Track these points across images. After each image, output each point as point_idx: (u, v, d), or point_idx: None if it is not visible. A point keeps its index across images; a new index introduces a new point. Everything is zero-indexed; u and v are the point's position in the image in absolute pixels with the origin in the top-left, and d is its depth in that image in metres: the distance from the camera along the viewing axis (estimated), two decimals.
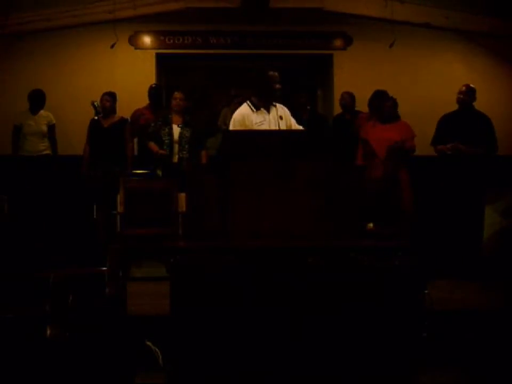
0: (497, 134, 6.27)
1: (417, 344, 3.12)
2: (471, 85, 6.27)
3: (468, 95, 6.20)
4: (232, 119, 4.58)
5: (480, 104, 6.38)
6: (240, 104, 4.85)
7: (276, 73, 4.60)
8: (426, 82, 7.95)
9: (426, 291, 4.33)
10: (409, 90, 7.77)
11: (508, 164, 7.03)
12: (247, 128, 4.41)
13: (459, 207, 6.00)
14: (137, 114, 7.03)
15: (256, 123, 4.49)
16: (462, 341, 3.90)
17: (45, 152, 6.89)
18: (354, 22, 7.89)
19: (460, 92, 6.22)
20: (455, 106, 6.33)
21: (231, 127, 4.55)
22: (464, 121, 6.16)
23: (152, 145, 6.37)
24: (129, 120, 6.84)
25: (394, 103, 6.45)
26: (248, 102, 4.61)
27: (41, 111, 6.95)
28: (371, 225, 4.69)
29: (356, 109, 7.29)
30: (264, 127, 4.48)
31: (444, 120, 6.32)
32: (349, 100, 7.28)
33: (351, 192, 3.43)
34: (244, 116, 4.52)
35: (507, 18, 7.20)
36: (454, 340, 3.91)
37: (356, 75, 7.92)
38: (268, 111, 4.58)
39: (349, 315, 2.95)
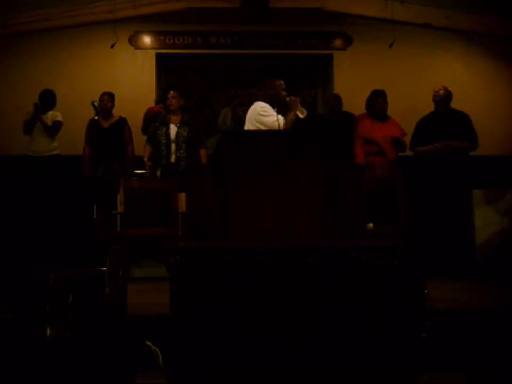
0: (496, 134, 6.26)
1: (417, 344, 3.12)
2: (447, 87, 6.22)
3: (445, 94, 6.16)
4: (270, 107, 4.92)
5: (479, 104, 6.38)
6: (242, 105, 5.02)
7: (282, 81, 5.06)
8: (426, 82, 7.92)
9: (426, 291, 4.34)
10: (409, 90, 7.78)
11: (508, 164, 7.04)
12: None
13: (449, 207, 5.97)
14: (154, 112, 6.87)
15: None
16: (462, 341, 3.90)
17: (53, 153, 6.80)
18: (354, 22, 7.89)
19: (437, 91, 6.16)
20: (454, 106, 6.30)
21: (271, 114, 4.84)
22: (443, 120, 6.11)
23: (146, 150, 6.33)
24: (127, 120, 6.80)
25: (386, 101, 6.44)
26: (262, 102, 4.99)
27: (50, 112, 6.84)
28: (371, 225, 4.70)
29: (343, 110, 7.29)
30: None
31: (422, 122, 6.24)
32: (335, 102, 7.26)
33: (351, 192, 3.43)
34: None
35: (507, 18, 7.20)
36: (454, 340, 3.91)
37: (355, 75, 7.93)
38: None
39: (349, 315, 2.96)
